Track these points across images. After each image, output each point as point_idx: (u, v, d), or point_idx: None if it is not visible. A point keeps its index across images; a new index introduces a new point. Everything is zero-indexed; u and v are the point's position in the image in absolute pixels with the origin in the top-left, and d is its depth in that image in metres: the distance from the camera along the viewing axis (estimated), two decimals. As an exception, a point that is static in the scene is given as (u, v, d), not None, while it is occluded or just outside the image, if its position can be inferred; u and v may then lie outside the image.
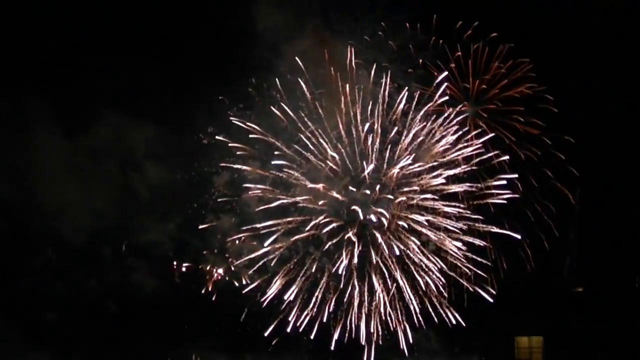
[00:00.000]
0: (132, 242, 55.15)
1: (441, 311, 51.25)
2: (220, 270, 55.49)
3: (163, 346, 55.23)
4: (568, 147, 51.16)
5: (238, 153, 52.30)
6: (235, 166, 52.39)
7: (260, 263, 52.03)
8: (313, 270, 51.62)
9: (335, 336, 51.78)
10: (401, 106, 50.79)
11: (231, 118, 52.16)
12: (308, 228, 51.14)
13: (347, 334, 51.80)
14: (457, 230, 50.69)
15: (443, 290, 50.74)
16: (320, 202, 51.05)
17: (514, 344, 56.55)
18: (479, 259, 50.89)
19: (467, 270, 50.90)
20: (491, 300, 51.12)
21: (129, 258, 55.12)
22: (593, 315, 54.07)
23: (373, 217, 50.59)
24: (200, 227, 53.72)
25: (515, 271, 51.95)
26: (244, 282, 53.69)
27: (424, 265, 50.79)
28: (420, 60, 51.14)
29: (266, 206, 51.76)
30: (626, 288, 53.97)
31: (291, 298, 51.46)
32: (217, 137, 52.52)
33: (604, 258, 53.86)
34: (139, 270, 54.89)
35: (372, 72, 50.84)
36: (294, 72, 51.47)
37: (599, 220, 53.28)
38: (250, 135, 51.87)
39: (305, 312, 51.58)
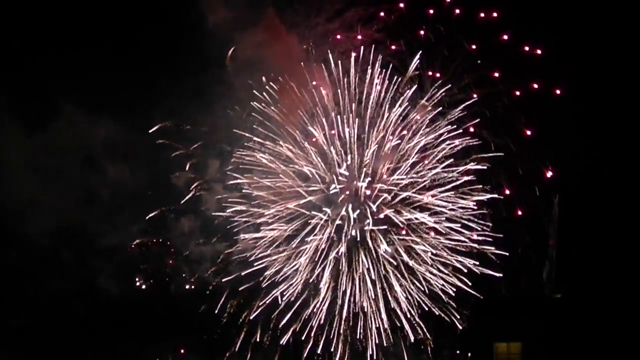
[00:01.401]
0: (95, 245, 53.87)
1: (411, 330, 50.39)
2: (184, 275, 54.21)
3: (133, 348, 53.98)
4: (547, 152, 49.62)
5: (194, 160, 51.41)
6: (192, 175, 51.39)
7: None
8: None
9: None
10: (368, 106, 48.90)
11: (186, 127, 51.04)
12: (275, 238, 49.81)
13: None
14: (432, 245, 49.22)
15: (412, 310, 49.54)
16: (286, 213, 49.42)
17: (492, 350, 54.63)
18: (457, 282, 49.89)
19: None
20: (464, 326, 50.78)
21: (94, 261, 53.94)
22: (572, 321, 52.07)
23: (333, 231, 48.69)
24: (163, 231, 52.94)
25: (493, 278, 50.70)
26: (210, 288, 52.42)
27: (394, 283, 49.34)
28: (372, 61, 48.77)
29: (225, 213, 50.47)
30: (605, 294, 52.00)
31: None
32: (173, 143, 51.28)
33: (583, 264, 52.13)
34: (104, 274, 53.83)
35: (340, 69, 48.83)
36: (250, 69, 49.66)
37: (578, 227, 51.58)
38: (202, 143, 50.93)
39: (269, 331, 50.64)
